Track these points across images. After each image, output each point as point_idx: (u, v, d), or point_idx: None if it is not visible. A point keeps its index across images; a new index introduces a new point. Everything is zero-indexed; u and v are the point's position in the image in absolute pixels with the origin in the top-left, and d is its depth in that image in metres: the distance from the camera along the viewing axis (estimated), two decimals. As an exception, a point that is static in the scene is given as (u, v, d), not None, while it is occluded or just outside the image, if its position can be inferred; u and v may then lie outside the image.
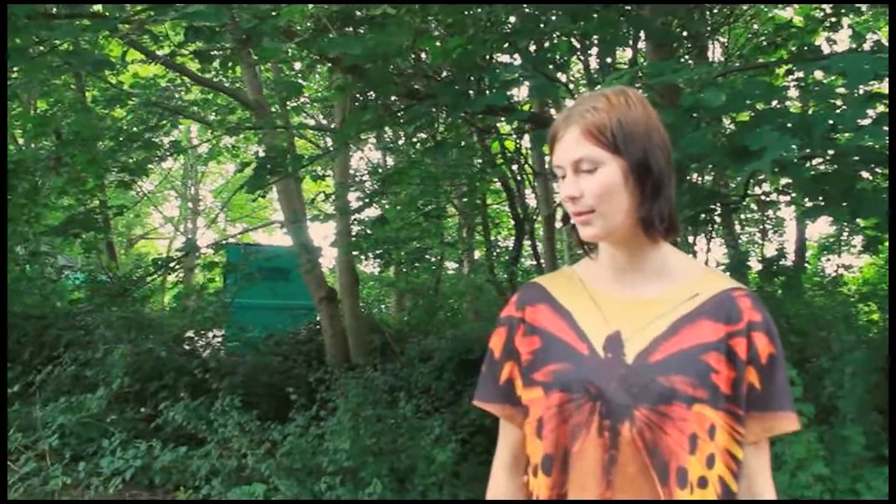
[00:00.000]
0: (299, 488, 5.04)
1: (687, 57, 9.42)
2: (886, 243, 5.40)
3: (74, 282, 10.95)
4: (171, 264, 9.56)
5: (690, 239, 9.85)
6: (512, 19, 5.07)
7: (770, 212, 13.21)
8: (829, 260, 13.08)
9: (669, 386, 1.34)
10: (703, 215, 5.83)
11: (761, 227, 13.91)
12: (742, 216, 12.79)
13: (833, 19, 7.07)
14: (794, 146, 3.12)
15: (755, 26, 10.41)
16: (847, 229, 11.02)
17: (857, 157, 3.77)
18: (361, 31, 4.08)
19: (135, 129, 8.17)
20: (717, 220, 8.63)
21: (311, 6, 3.56)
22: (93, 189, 8.56)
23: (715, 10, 8.83)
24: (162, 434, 6.22)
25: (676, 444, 1.33)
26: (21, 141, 9.85)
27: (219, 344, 8.85)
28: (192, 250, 9.10)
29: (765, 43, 7.40)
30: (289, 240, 10.01)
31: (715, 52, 11.06)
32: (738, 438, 1.35)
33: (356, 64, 3.99)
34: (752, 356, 1.37)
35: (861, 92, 3.77)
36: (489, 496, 1.55)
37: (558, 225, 13.42)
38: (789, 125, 3.32)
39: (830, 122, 3.49)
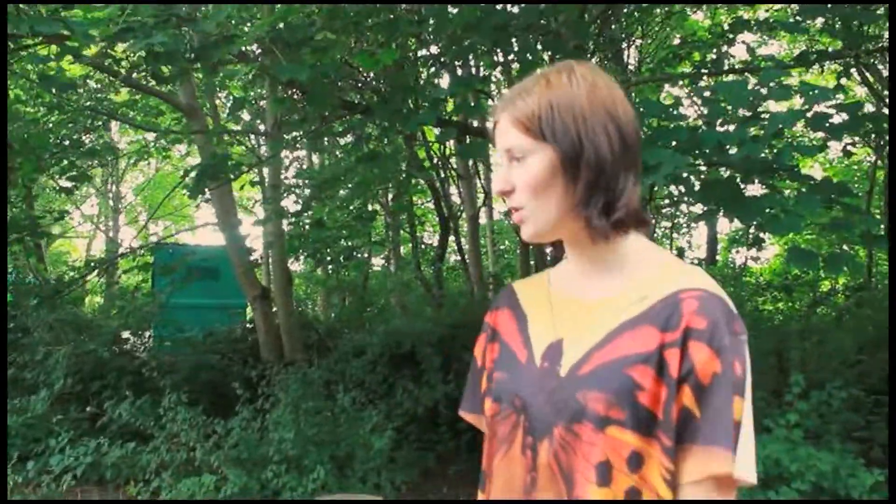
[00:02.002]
0: (247, 477, 5.40)
1: (606, 63, 10.05)
2: (778, 239, 6.05)
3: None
4: (105, 265, 9.76)
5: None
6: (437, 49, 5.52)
7: (684, 207, 14.06)
8: (738, 252, 14.02)
9: (583, 403, 1.17)
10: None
11: (673, 222, 14.72)
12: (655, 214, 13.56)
13: (731, 35, 7.73)
14: (684, 162, 3.65)
15: (665, 35, 11.15)
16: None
17: (742, 169, 4.34)
18: (303, 52, 4.44)
19: (65, 131, 8.31)
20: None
21: (259, 28, 3.90)
22: (23, 194, 8.71)
23: (626, 19, 9.47)
24: (108, 432, 6.45)
25: (580, 471, 1.16)
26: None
27: (157, 344, 9.05)
28: (129, 252, 9.30)
29: (671, 55, 8.01)
30: (214, 239, 10.25)
31: (630, 57, 11.78)
32: (664, 476, 1.13)
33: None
34: (685, 372, 1.13)
35: (746, 113, 4.36)
36: None
37: (482, 221, 13.98)
38: (677, 142, 3.86)
39: (717, 140, 4.05)
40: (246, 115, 12.55)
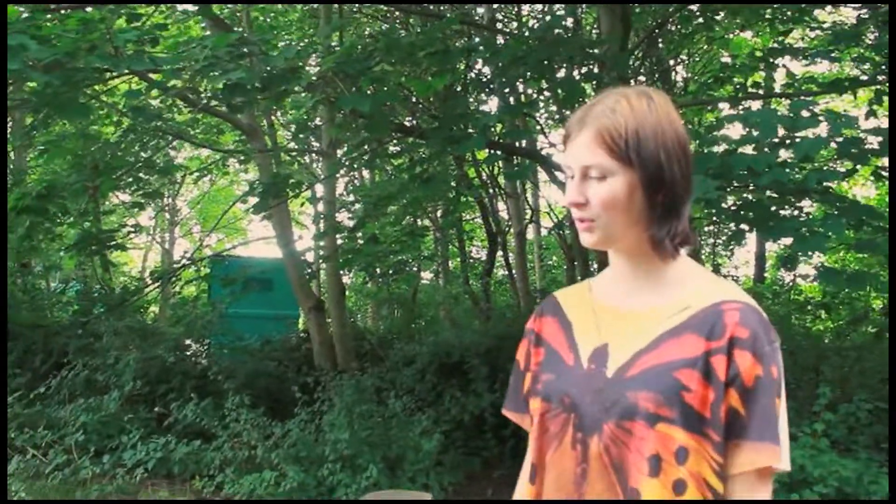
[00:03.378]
0: (305, 474, 5.80)
1: (654, 82, 10.34)
2: (803, 258, 6.29)
3: (70, 293, 11.60)
4: (169, 276, 10.33)
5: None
6: (487, 70, 5.90)
7: (732, 225, 14.16)
8: (789, 269, 14.07)
9: (633, 402, 1.28)
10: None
11: (719, 239, 14.85)
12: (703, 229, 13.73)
13: (771, 59, 7.96)
14: (714, 187, 3.96)
15: (711, 54, 11.39)
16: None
17: (769, 192, 4.63)
18: (362, 81, 4.84)
19: (135, 150, 8.88)
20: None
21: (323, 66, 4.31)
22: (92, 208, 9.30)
23: (671, 41, 9.76)
24: (174, 431, 6.92)
25: (633, 463, 1.27)
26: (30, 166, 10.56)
27: (216, 350, 9.53)
28: (191, 263, 9.84)
29: (711, 80, 8.26)
30: (265, 251, 10.69)
31: (676, 77, 12.06)
32: (714, 468, 1.26)
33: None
34: (732, 377, 1.26)
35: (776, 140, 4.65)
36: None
37: (530, 236, 14.30)
38: (711, 169, 4.17)
39: (747, 165, 4.35)
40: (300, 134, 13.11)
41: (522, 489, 1.48)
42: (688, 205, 1.36)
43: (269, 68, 4.50)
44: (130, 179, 7.53)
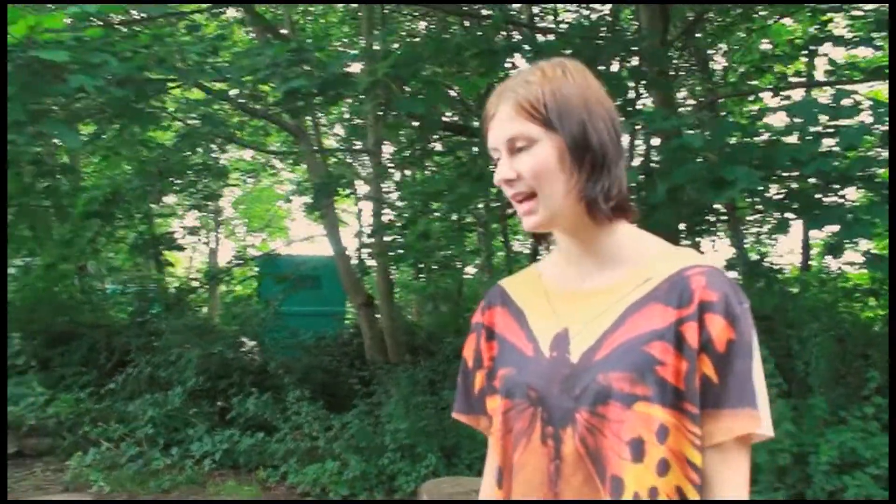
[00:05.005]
0: (366, 463, 6.03)
1: (693, 76, 10.39)
2: (849, 245, 6.35)
3: (123, 293, 12.01)
4: (222, 275, 10.66)
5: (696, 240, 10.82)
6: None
7: (776, 213, 14.10)
8: (835, 257, 13.94)
9: (606, 384, 1.19)
10: (700, 226, 6.81)
11: (763, 227, 14.78)
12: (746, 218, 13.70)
13: (812, 46, 8.00)
14: (759, 178, 4.08)
15: (750, 44, 11.38)
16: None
17: (814, 180, 4.73)
18: (413, 83, 5.03)
19: (194, 155, 9.20)
20: (722, 223, 9.61)
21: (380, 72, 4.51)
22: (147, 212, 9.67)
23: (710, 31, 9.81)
24: (236, 424, 7.20)
25: (611, 449, 1.19)
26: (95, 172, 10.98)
27: (272, 347, 9.81)
28: (243, 263, 10.14)
29: (752, 69, 8.32)
30: (308, 249, 10.93)
31: (716, 67, 12.07)
32: (693, 441, 1.18)
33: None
34: (704, 343, 1.18)
35: (819, 129, 4.74)
36: None
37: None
38: (756, 160, 4.29)
39: (791, 156, 4.46)
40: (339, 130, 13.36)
41: (489, 492, 1.39)
42: (619, 167, 1.29)
43: (324, 74, 4.71)
44: (181, 182, 7.80)
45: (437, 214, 7.59)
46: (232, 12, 9.14)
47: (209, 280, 11.18)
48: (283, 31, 9.40)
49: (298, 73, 4.44)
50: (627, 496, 1.16)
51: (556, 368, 1.26)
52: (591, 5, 9.51)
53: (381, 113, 7.51)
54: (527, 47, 5.80)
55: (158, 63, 4.21)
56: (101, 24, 3.85)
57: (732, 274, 11.19)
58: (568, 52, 5.19)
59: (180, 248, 9.82)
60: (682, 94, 11.52)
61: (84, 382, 8.31)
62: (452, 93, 7.69)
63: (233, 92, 4.78)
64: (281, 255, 14.02)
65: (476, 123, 6.97)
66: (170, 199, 12.43)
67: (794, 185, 5.27)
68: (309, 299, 12.07)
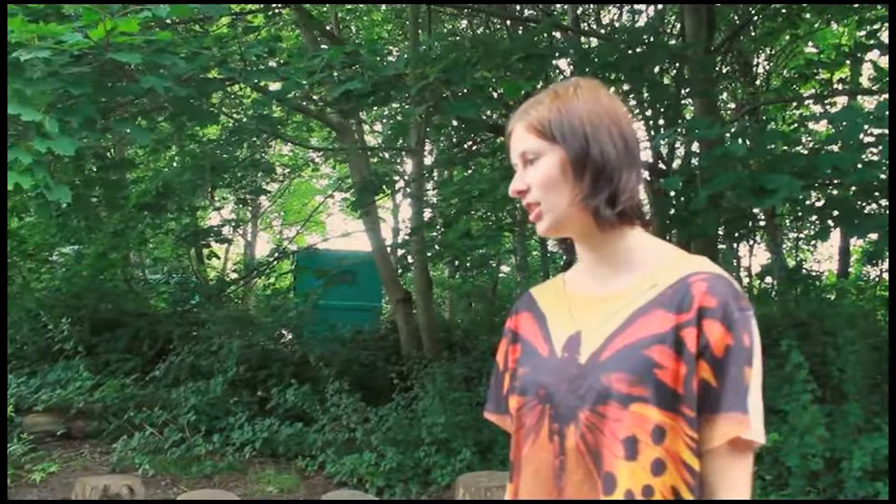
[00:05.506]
0: (402, 455, 6.18)
1: (735, 83, 10.40)
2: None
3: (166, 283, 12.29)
4: (264, 268, 10.88)
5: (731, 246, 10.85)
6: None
7: (815, 218, 14.04)
8: (874, 264, 13.87)
9: (607, 384, 1.26)
10: (738, 231, 6.87)
11: (801, 233, 14.73)
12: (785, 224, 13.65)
13: (859, 54, 7.97)
14: (800, 187, 4.15)
15: (794, 49, 11.35)
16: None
17: (854, 188, 4.79)
18: (463, 86, 5.15)
19: (241, 150, 9.44)
20: (760, 228, 9.64)
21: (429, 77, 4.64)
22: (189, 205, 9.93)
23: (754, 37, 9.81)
24: (275, 413, 7.38)
25: (607, 447, 1.24)
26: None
27: (310, 339, 10.00)
28: (283, 256, 10.35)
29: (796, 75, 8.33)
30: (346, 244, 11.06)
31: (759, 70, 12.05)
32: (690, 445, 1.22)
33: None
34: (702, 348, 1.23)
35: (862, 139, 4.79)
36: None
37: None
38: (797, 168, 4.36)
39: (833, 164, 4.52)
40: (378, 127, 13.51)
41: (507, 486, 1.47)
42: (628, 176, 1.35)
43: (376, 76, 4.86)
44: (229, 177, 8.02)
45: (477, 214, 7.73)
46: (283, 12, 9.34)
47: (250, 273, 11.39)
48: (328, 27, 9.59)
49: (351, 76, 4.60)
50: (619, 493, 1.22)
51: (565, 368, 1.33)
52: (635, 6, 9.57)
53: (425, 115, 7.68)
54: (572, 51, 5.92)
55: (219, 63, 4.39)
56: (168, 23, 4.02)
57: (769, 279, 11.21)
58: (614, 58, 5.28)
59: (227, 241, 10.02)
60: (722, 96, 11.51)
61: (128, 369, 8.54)
62: (494, 94, 7.81)
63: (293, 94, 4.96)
64: (320, 250, 14.28)
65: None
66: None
67: (835, 192, 5.33)
68: (346, 293, 12.25)
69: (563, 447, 1.29)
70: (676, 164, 8.48)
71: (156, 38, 3.57)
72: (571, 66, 6.00)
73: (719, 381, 1.21)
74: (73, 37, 3.43)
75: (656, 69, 6.82)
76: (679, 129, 4.95)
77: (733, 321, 1.22)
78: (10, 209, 7.17)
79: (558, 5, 9.53)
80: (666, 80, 6.27)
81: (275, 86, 5.27)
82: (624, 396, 1.23)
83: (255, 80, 4.55)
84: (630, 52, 5.19)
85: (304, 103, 6.86)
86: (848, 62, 8.07)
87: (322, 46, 8.47)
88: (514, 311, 1.55)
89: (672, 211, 4.81)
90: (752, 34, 9.82)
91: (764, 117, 9.46)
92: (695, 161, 5.58)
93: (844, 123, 4.65)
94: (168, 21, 3.71)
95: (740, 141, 4.41)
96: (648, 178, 5.73)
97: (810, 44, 11.14)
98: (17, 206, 7.11)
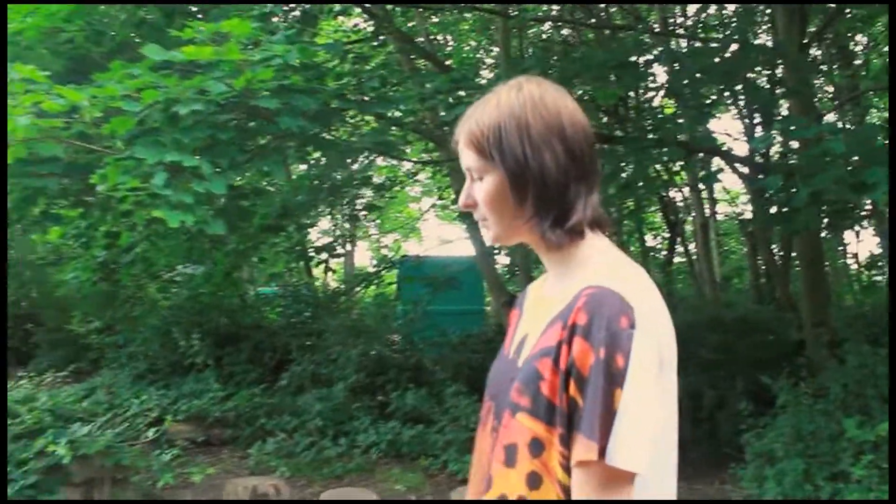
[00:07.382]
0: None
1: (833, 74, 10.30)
2: None
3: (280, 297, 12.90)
4: (373, 277, 11.38)
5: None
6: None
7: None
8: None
9: (511, 392, 1.28)
10: (842, 221, 6.91)
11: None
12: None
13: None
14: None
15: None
16: None
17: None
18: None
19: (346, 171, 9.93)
20: (863, 217, 9.54)
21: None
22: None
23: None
24: (396, 417, 7.80)
25: (495, 451, 1.29)
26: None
27: (421, 345, 10.40)
28: (390, 265, 10.82)
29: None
30: (443, 250, 11.22)
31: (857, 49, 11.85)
32: (561, 462, 1.20)
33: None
34: (570, 365, 1.19)
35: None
36: None
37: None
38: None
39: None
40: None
41: None
42: (576, 190, 1.30)
43: (478, 95, 5.18)
44: (344, 195, 8.52)
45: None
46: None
47: (359, 283, 11.92)
48: (420, 39, 9.95)
49: (459, 99, 4.95)
50: (492, 495, 1.28)
51: (509, 369, 1.34)
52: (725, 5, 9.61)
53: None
54: (664, 58, 6.12)
55: (338, 97, 4.80)
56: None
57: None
58: (707, 61, 5.47)
59: (340, 256, 10.57)
60: (818, 81, 11.37)
61: (252, 379, 9.10)
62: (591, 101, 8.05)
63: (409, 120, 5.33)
64: (423, 257, 14.73)
65: (619, 133, 7.31)
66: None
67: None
68: (450, 298, 12.60)
69: (496, 441, 1.31)
70: (773, 154, 8.52)
71: (289, 83, 4.00)
72: (664, 70, 6.18)
73: (584, 401, 1.17)
74: (217, 86, 3.88)
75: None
76: (775, 133, 5.10)
77: (597, 339, 1.17)
78: (146, 237, 7.79)
79: (643, 4, 9.67)
80: (760, 78, 6.36)
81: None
82: (514, 405, 1.26)
83: (373, 110, 4.94)
84: (722, 56, 5.35)
85: (411, 120, 7.27)
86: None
87: (416, 61, 8.90)
88: (514, 306, 1.55)
89: (773, 209, 4.95)
90: (848, 20, 9.72)
91: (864, 105, 9.36)
92: (793, 157, 5.68)
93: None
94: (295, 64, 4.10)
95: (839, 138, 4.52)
96: (749, 177, 5.87)
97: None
98: (151, 235, 7.72)
